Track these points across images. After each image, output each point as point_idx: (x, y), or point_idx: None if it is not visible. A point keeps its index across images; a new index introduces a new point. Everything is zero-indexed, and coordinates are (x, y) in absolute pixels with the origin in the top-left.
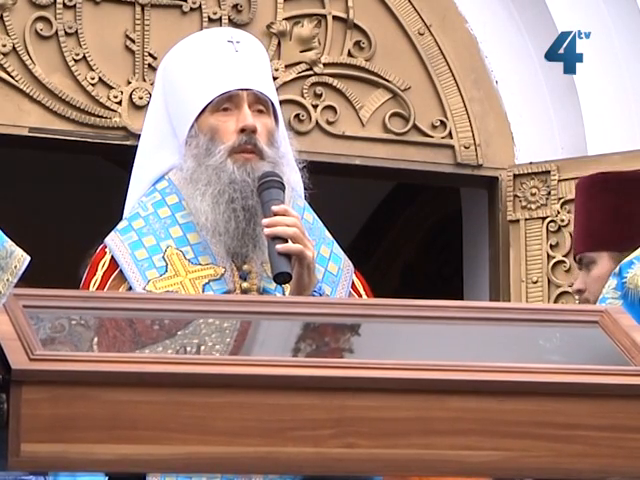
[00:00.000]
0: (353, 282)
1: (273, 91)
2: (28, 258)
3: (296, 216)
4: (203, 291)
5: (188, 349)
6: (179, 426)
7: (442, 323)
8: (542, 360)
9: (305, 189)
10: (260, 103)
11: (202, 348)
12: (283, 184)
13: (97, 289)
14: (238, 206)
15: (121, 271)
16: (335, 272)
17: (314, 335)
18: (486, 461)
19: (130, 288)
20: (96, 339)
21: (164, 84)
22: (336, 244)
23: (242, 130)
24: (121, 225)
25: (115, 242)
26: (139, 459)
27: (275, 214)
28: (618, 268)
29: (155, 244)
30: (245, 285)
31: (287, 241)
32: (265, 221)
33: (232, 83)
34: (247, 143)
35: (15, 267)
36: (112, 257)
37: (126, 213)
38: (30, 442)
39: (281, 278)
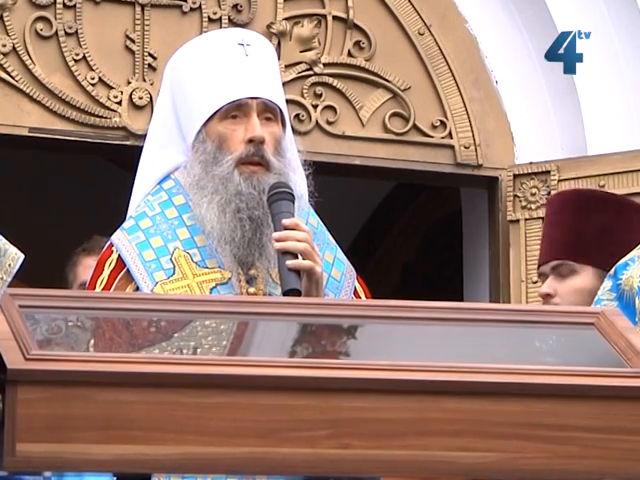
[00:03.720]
0: (355, 288)
1: (281, 95)
2: (22, 256)
3: (306, 230)
4: None
5: (184, 352)
6: (174, 426)
7: (438, 324)
8: (538, 361)
9: (310, 197)
10: (269, 111)
11: (199, 351)
12: (293, 195)
13: (104, 288)
14: (244, 216)
15: (128, 271)
16: (338, 278)
17: (310, 336)
18: (480, 462)
19: (137, 288)
20: (92, 341)
21: (172, 84)
22: (339, 249)
23: (250, 140)
24: (128, 224)
25: (122, 241)
26: (134, 459)
27: (286, 228)
28: (613, 270)
29: (163, 245)
30: (252, 290)
31: (297, 256)
32: (275, 235)
33: (242, 91)
34: (254, 155)
35: (9, 266)
36: (119, 256)
37: (131, 211)
38: (25, 442)
39: (291, 295)
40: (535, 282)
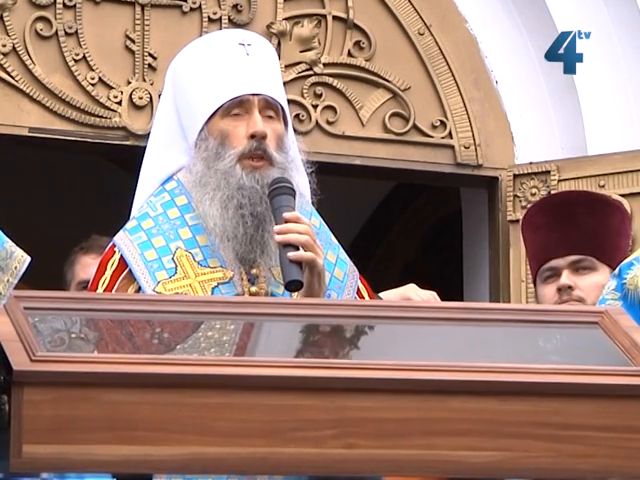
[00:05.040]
0: (358, 288)
1: (283, 94)
2: (28, 259)
3: (307, 223)
4: (212, 294)
5: None
6: (179, 427)
7: (442, 324)
8: (542, 361)
9: (314, 195)
10: (270, 108)
11: None
12: (294, 190)
13: (106, 289)
14: (247, 212)
15: (130, 271)
16: (341, 278)
17: (314, 336)
18: (486, 461)
19: (139, 288)
20: (95, 354)
21: (174, 85)
22: (342, 249)
23: (252, 136)
24: (130, 225)
25: (124, 242)
26: (139, 460)
27: (287, 221)
28: (618, 269)
29: (164, 245)
30: (254, 289)
31: (298, 249)
32: (277, 228)
33: (243, 88)
34: (257, 149)
35: (15, 268)
36: (121, 256)
37: (134, 212)
38: (31, 443)
39: (292, 286)
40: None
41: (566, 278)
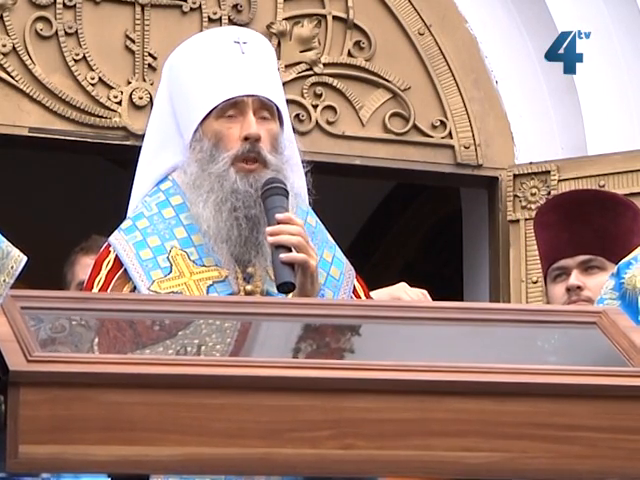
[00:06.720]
0: (354, 287)
1: (279, 92)
2: (25, 259)
3: (300, 224)
4: (207, 293)
5: (189, 349)
6: (177, 427)
7: (441, 324)
8: (540, 361)
9: (309, 194)
10: (265, 109)
11: (202, 348)
12: (287, 190)
13: (101, 288)
14: (241, 214)
15: (125, 270)
16: (337, 277)
17: (313, 336)
18: (485, 462)
19: (134, 288)
20: (97, 340)
21: (170, 83)
22: (338, 248)
23: (246, 138)
24: (125, 224)
25: (119, 241)
26: (136, 460)
27: (279, 222)
28: (616, 269)
29: (160, 244)
30: (249, 288)
31: (291, 250)
32: (269, 229)
33: (237, 89)
34: (250, 152)
35: (12, 268)
36: (116, 256)
37: (130, 212)
38: (28, 444)
39: (285, 288)
40: (535, 282)
41: (575, 278)
